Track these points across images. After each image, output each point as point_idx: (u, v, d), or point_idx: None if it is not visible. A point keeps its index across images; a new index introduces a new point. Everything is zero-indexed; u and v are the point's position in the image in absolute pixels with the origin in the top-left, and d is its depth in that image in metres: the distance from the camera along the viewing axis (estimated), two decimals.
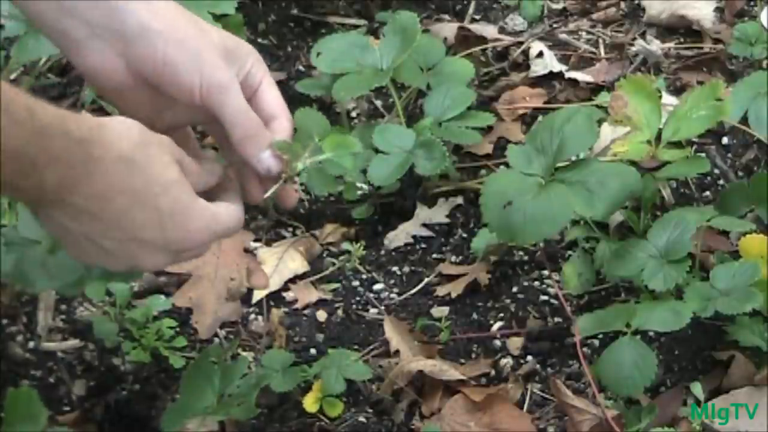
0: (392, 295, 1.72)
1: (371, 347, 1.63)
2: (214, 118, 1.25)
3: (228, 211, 1.26)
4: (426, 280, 1.74)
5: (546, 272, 1.71)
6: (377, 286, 1.73)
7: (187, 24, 1.24)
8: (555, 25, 2.19)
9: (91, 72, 1.25)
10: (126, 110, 1.28)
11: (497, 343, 1.64)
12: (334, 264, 1.76)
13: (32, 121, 1.08)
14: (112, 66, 1.24)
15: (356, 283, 1.74)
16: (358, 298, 1.71)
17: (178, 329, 1.62)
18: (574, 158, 1.63)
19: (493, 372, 1.60)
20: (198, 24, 1.26)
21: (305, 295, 1.71)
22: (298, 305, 1.70)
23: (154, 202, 1.19)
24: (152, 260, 1.22)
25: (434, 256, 1.78)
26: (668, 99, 1.90)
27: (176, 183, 1.21)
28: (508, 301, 1.69)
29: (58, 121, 1.11)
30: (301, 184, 1.78)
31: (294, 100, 2.00)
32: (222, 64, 1.24)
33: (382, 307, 1.69)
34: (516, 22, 2.20)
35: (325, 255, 1.78)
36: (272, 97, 1.30)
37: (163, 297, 1.67)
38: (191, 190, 1.22)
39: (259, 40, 2.13)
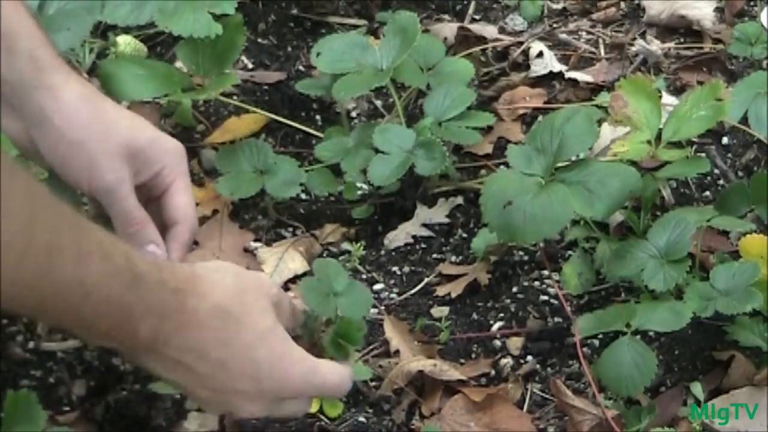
0: (392, 295, 1.72)
1: (371, 347, 1.63)
2: None
3: (331, 368, 1.26)
4: (426, 280, 1.74)
5: (546, 272, 1.71)
6: (377, 286, 1.73)
7: (89, 122, 1.26)
8: (555, 25, 2.19)
9: (8, 133, 1.29)
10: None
11: (497, 343, 1.64)
12: None
13: (130, 269, 1.08)
14: (21, 137, 1.28)
15: None
16: None
17: None
18: (574, 158, 1.63)
19: (493, 372, 1.60)
20: (105, 119, 1.27)
21: None
22: (298, 305, 1.70)
23: (250, 354, 1.19)
24: (249, 409, 1.22)
25: (434, 256, 1.78)
26: (668, 99, 1.90)
27: (271, 331, 1.22)
28: (508, 301, 1.69)
29: (153, 269, 1.12)
30: (301, 185, 1.78)
31: (294, 100, 2.01)
32: (113, 167, 1.26)
33: (382, 307, 1.69)
34: (516, 22, 2.20)
35: (325, 255, 1.77)
36: (178, 202, 1.32)
37: None
38: (287, 337, 1.23)
39: (259, 40, 2.13)
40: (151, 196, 1.32)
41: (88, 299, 1.04)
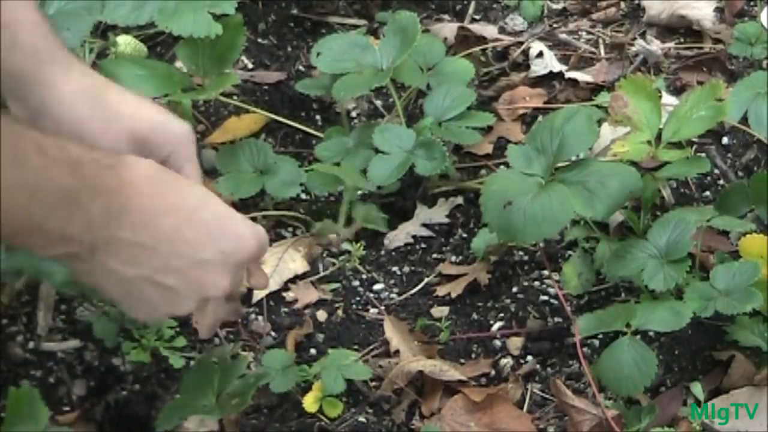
0: (392, 295, 1.72)
1: (371, 347, 1.63)
2: None
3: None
4: (426, 280, 1.74)
5: (546, 272, 1.71)
6: (377, 286, 1.73)
7: (89, 115, 1.27)
8: (555, 25, 2.19)
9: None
10: None
11: (497, 343, 1.64)
12: (334, 264, 1.76)
13: (66, 156, 1.10)
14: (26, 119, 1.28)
15: (356, 283, 1.74)
16: (358, 298, 1.71)
17: (178, 329, 1.61)
18: (574, 158, 1.63)
19: (493, 372, 1.60)
20: (105, 110, 1.28)
21: (305, 295, 1.71)
22: (298, 305, 1.70)
23: (199, 216, 1.19)
24: (219, 283, 1.21)
25: (434, 256, 1.78)
26: (668, 99, 1.90)
27: (208, 194, 1.22)
28: (508, 301, 1.69)
29: (85, 150, 1.13)
30: (301, 185, 1.78)
31: (294, 100, 2.01)
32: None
33: (382, 307, 1.69)
34: (516, 22, 2.20)
35: (325, 255, 1.78)
36: None
37: None
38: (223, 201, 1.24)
39: (259, 40, 2.13)
40: None
41: (34, 198, 1.06)
